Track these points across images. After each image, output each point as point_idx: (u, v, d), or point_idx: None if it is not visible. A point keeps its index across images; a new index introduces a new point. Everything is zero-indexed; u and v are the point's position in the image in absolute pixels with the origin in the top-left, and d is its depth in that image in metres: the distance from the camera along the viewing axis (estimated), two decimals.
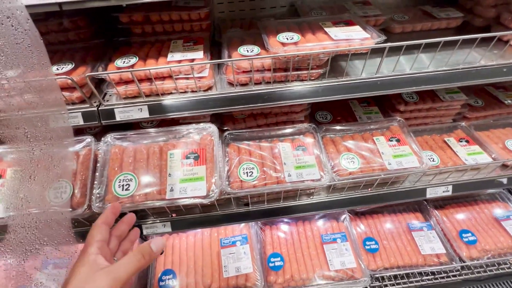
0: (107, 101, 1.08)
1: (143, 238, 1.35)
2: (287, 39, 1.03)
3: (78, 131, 0.98)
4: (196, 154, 1.02)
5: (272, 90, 1.08)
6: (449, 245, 1.55)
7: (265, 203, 1.26)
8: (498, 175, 1.36)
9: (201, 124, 1.10)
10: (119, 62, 1.05)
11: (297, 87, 1.09)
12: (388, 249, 1.54)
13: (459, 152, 1.38)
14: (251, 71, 1.07)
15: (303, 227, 1.57)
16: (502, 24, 1.29)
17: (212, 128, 1.09)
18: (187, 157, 1.01)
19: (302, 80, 1.11)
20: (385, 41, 1.01)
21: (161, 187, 0.98)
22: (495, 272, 1.49)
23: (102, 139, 1.06)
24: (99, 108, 1.05)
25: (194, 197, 0.95)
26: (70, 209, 0.90)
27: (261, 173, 1.12)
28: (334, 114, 1.49)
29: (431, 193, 1.32)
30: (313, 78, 1.11)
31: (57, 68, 1.04)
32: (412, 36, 1.39)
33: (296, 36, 1.04)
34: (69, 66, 1.06)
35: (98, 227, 0.71)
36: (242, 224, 1.48)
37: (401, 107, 1.43)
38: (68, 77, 0.96)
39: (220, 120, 1.33)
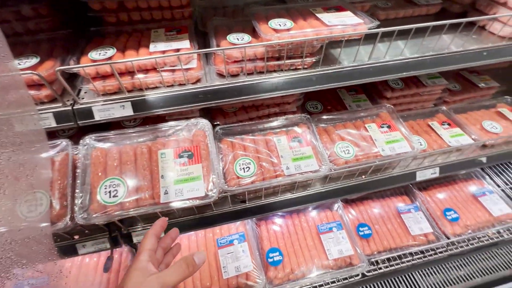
0: (83, 98, 0.96)
1: (134, 247, 1.25)
2: (280, 25, 0.98)
3: (50, 135, 0.85)
4: (190, 152, 0.94)
5: (266, 80, 1.03)
6: (434, 224, 1.63)
7: (262, 198, 1.22)
8: (478, 154, 1.44)
9: (192, 119, 1.02)
10: (94, 55, 0.94)
11: (291, 76, 1.04)
12: (381, 233, 1.59)
13: (443, 135, 1.43)
14: (242, 60, 1.01)
15: (298, 219, 1.56)
16: (478, 10, 1.35)
17: (204, 123, 1.02)
18: (180, 156, 0.94)
19: (296, 69, 1.07)
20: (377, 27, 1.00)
21: (154, 190, 0.90)
22: (475, 245, 1.59)
23: (80, 141, 0.94)
24: (74, 107, 0.93)
25: (191, 199, 0.88)
26: (50, 224, 0.79)
27: (258, 168, 1.08)
28: (324, 103, 1.47)
29: (420, 176, 1.36)
30: (306, 67, 1.07)
31: (19, 63, 0.89)
32: (396, 22, 1.40)
33: (288, 23, 0.99)
34: (33, 60, 0.92)
35: (150, 237, 0.74)
36: (238, 222, 1.43)
37: (388, 93, 1.45)
38: (34, 72, 0.83)
39: (209, 114, 1.26)
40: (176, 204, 0.87)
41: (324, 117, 1.33)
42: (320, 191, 1.27)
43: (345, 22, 0.99)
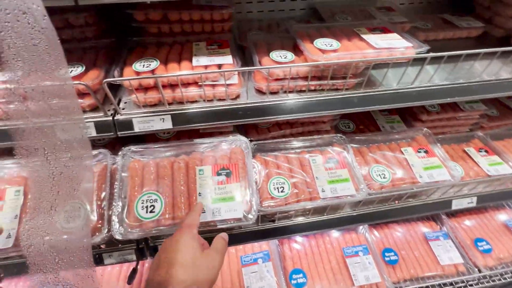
0: (123, 109, 0.95)
1: None
2: (326, 45, 0.96)
3: None
4: (228, 170, 0.92)
5: (307, 100, 1.00)
6: (465, 254, 1.55)
7: (291, 219, 1.18)
8: None
9: (230, 136, 1.00)
10: (138, 66, 0.93)
11: (332, 96, 1.02)
12: (407, 260, 1.52)
13: (480, 162, 1.37)
14: (284, 79, 0.99)
15: (322, 239, 1.51)
16: None
17: (243, 140, 1.00)
18: (218, 174, 0.92)
19: (337, 89, 1.04)
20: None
21: (191, 207, 0.88)
22: (509, 280, 1.51)
23: (120, 152, 0.94)
24: (115, 118, 0.93)
25: (230, 220, 0.85)
26: (90, 237, 0.77)
27: (292, 188, 1.05)
28: (356, 123, 1.44)
29: (456, 205, 1.30)
30: (348, 88, 1.04)
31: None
32: (436, 44, 1.36)
33: (335, 43, 0.97)
34: (79, 69, 0.92)
35: (198, 214, 0.75)
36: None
37: (423, 116, 1.41)
38: (82, 82, 0.83)
39: (243, 129, 1.24)
40: (215, 225, 0.85)
41: (357, 137, 1.30)
42: (351, 214, 1.22)
43: (393, 45, 0.97)
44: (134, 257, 1.14)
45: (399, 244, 1.59)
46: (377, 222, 1.52)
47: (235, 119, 0.98)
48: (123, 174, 0.91)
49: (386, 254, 1.52)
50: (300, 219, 1.19)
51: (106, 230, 0.83)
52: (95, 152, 0.93)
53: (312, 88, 1.02)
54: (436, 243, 1.58)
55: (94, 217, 0.83)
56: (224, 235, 0.73)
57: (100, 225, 0.83)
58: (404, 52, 0.96)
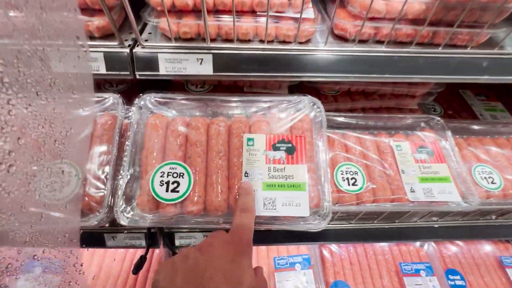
0: (146, 40, 0.66)
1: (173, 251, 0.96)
2: None
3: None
4: (290, 145, 0.62)
5: (413, 55, 0.67)
6: None
7: (352, 222, 0.88)
8: None
9: (294, 96, 0.69)
10: None
11: (450, 55, 0.68)
12: (477, 287, 1.20)
13: None
14: (381, 19, 0.66)
15: (371, 247, 1.21)
16: None
17: (314, 104, 0.68)
18: (275, 148, 0.62)
19: (455, 46, 0.70)
20: None
21: (231, 192, 0.59)
22: None
23: (136, 101, 0.65)
24: (134, 51, 0.64)
25: (289, 218, 0.56)
26: (79, 217, 0.51)
27: (368, 182, 0.74)
28: (443, 106, 1.08)
29: None
30: (474, 45, 0.70)
31: None
32: None
33: None
34: None
35: (252, 198, 0.54)
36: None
37: None
38: None
39: (300, 93, 0.92)
40: (270, 222, 0.56)
41: (451, 124, 0.95)
42: (431, 226, 0.91)
43: None
44: (143, 242, 0.89)
45: (465, 266, 1.27)
46: (461, 240, 1.21)
47: (305, 72, 0.67)
48: (138, 131, 0.63)
49: (451, 276, 1.21)
50: (364, 223, 0.89)
51: (107, 209, 0.56)
52: (100, 96, 0.65)
53: (421, 40, 0.69)
54: None
55: (91, 188, 0.57)
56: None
57: (97, 202, 0.57)
58: None
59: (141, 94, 0.65)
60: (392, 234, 0.91)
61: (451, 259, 1.29)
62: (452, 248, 1.31)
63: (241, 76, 0.67)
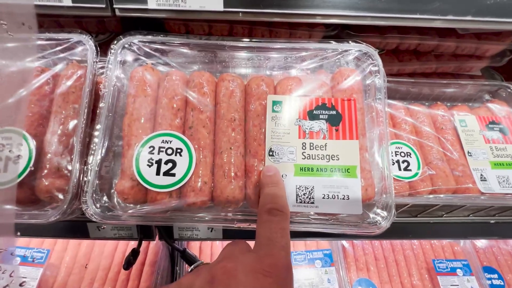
0: None
1: (172, 245, 0.80)
2: None
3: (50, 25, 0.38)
4: (333, 112, 0.43)
5: None
6: None
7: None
8: None
9: (339, 43, 0.49)
10: None
11: None
12: None
13: None
14: None
15: (399, 241, 1.06)
16: None
17: (366, 54, 0.49)
18: (312, 116, 0.43)
19: None
20: None
21: (248, 177, 0.42)
22: None
23: (113, 46, 0.46)
24: None
25: (333, 215, 0.39)
26: (13, 205, 0.34)
27: (425, 167, 0.56)
28: (503, 76, 0.88)
29: None
30: None
31: None
32: None
33: None
34: None
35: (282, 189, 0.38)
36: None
37: None
38: None
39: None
40: (298, 226, 0.39)
41: None
42: (487, 222, 0.74)
43: None
44: (135, 233, 0.74)
45: (502, 265, 1.12)
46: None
47: (339, 10, 0.47)
48: (117, 89, 0.44)
49: (487, 275, 1.06)
50: (409, 218, 0.72)
51: (70, 196, 0.39)
52: (61, 37, 0.45)
53: None
54: None
55: (47, 166, 0.40)
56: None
57: (58, 185, 0.40)
58: None
59: (120, 36, 0.46)
60: (437, 230, 0.75)
61: (486, 255, 1.14)
62: (484, 241, 1.16)
63: (260, 14, 0.47)
